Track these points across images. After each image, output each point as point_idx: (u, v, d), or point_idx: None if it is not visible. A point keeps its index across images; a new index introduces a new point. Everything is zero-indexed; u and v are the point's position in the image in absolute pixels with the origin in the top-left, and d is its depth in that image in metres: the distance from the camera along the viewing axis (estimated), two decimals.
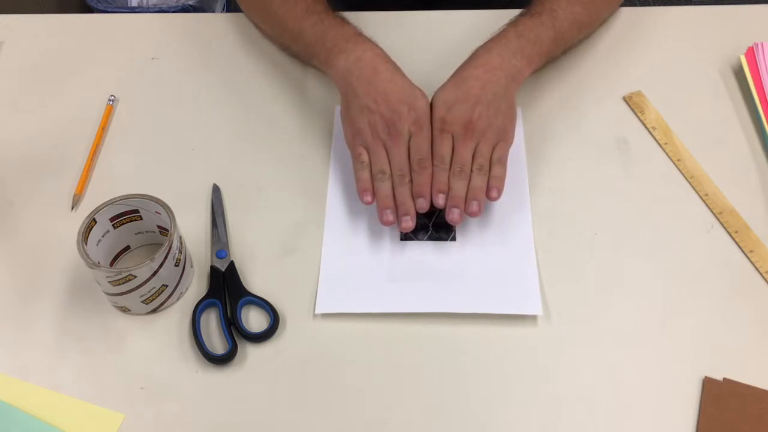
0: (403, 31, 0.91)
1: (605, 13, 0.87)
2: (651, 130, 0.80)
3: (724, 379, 0.62)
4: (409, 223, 0.69)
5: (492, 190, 0.69)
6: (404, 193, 0.69)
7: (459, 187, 0.69)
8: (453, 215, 0.68)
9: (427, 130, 0.70)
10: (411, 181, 0.70)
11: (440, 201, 0.69)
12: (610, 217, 0.73)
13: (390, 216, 0.69)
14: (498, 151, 0.71)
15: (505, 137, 0.72)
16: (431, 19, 0.93)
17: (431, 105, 0.72)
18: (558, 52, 0.81)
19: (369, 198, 0.70)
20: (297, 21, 0.81)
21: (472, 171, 0.69)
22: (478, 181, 0.69)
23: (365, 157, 0.71)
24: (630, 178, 0.76)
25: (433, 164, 0.70)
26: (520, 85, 0.75)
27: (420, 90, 0.72)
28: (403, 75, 0.73)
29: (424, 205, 0.69)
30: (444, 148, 0.70)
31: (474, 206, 0.68)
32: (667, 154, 0.78)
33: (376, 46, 0.75)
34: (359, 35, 0.76)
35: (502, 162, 0.71)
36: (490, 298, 0.67)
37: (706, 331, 0.65)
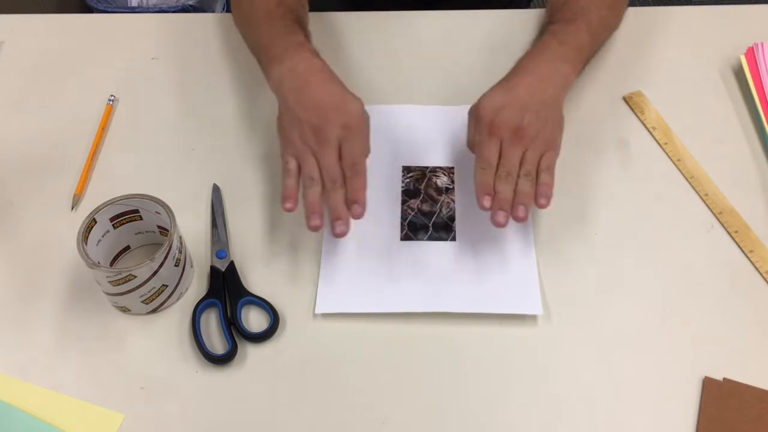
0: (403, 31, 0.91)
1: (623, 12, 0.87)
2: (651, 130, 0.80)
3: (724, 379, 0.62)
4: (342, 228, 0.66)
5: (541, 197, 0.67)
6: (336, 198, 0.67)
7: (506, 191, 0.66)
8: (499, 218, 0.65)
9: (359, 133, 0.68)
10: (344, 186, 0.67)
11: (486, 203, 0.66)
12: (610, 217, 0.73)
13: (316, 220, 0.66)
14: (546, 159, 0.69)
15: (553, 146, 0.70)
16: (431, 19, 0.93)
17: (477, 109, 0.70)
18: (593, 55, 0.80)
19: (289, 204, 0.67)
20: (255, 25, 0.79)
21: (518, 177, 0.67)
22: (526, 187, 0.67)
23: (293, 165, 0.68)
24: (630, 178, 0.76)
25: (480, 167, 0.68)
26: (566, 93, 0.73)
27: (353, 95, 0.70)
28: (336, 83, 0.70)
29: (359, 211, 0.66)
30: (491, 151, 0.67)
31: (521, 211, 0.66)
32: (667, 154, 0.78)
33: (314, 56, 0.72)
34: (301, 45, 0.74)
35: (551, 170, 0.68)
36: (490, 298, 0.67)
37: (706, 331, 0.65)
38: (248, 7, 0.81)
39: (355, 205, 0.66)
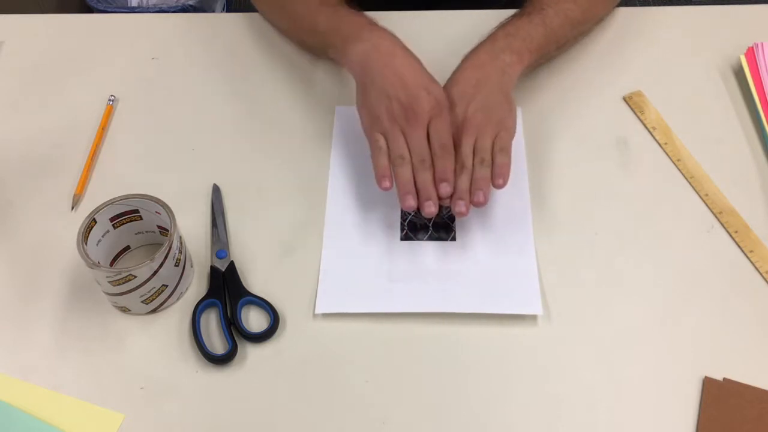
0: (403, 31, 0.90)
1: (601, 10, 0.87)
2: (651, 130, 0.80)
3: (724, 379, 0.62)
4: (432, 209, 0.67)
5: (497, 178, 0.68)
6: (426, 178, 0.68)
7: (463, 180, 0.68)
8: (459, 207, 0.67)
9: (447, 115, 0.70)
10: (432, 166, 0.69)
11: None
12: (610, 217, 0.73)
13: (412, 201, 0.68)
14: (499, 141, 0.70)
15: (504, 127, 0.71)
16: (431, 19, 0.93)
17: None
18: (551, 48, 0.81)
19: (388, 183, 0.68)
20: (312, 15, 0.81)
21: (474, 165, 0.69)
22: (481, 172, 0.68)
23: (383, 143, 0.70)
24: (630, 178, 0.76)
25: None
26: (513, 79, 0.74)
27: (434, 79, 0.72)
28: (419, 62, 0.73)
29: (447, 190, 0.68)
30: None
31: (479, 196, 0.67)
32: (667, 154, 0.78)
33: (392, 34, 0.75)
34: (375, 24, 0.77)
35: (505, 151, 0.70)
36: (490, 298, 0.67)
37: (706, 331, 0.65)
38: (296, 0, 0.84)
39: (443, 183, 0.68)
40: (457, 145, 0.70)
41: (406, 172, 0.68)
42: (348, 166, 0.76)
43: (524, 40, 0.76)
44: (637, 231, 0.72)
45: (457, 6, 0.93)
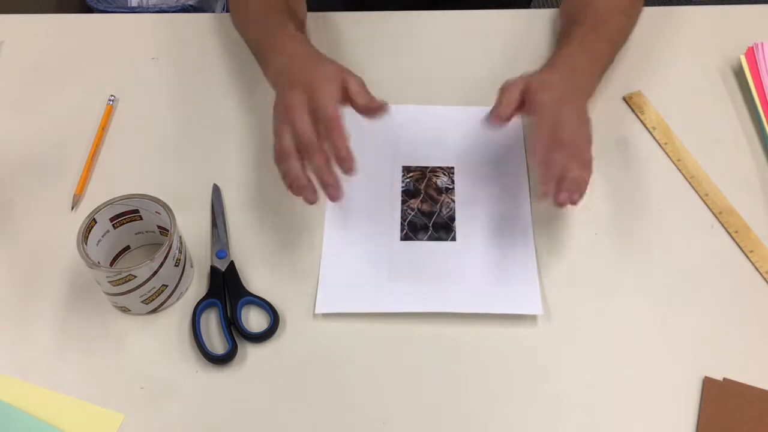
0: (404, 31, 0.91)
1: (635, 22, 0.87)
2: (651, 130, 0.80)
3: (724, 379, 0.62)
4: (333, 192, 0.63)
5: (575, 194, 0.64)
6: (317, 161, 0.63)
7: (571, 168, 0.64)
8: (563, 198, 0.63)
9: (322, 87, 0.64)
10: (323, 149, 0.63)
11: (347, 166, 0.62)
12: (610, 217, 0.73)
13: (309, 194, 0.63)
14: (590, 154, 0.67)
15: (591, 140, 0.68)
16: (432, 19, 0.93)
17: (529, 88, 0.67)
18: (610, 64, 0.80)
19: (296, 186, 0.63)
20: (249, 27, 0.83)
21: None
22: (586, 176, 0.65)
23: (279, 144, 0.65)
24: (630, 179, 0.76)
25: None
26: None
27: (327, 62, 0.68)
28: (320, 59, 0.70)
29: (349, 165, 0.62)
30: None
31: (577, 197, 0.64)
32: (667, 154, 0.78)
33: (305, 43, 0.73)
34: (291, 36, 0.74)
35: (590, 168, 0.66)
36: (490, 298, 0.67)
37: (706, 331, 0.65)
38: (243, 7, 0.84)
39: (342, 162, 0.63)
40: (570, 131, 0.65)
41: (292, 167, 0.63)
42: None
43: (597, 60, 0.75)
44: (637, 231, 0.72)
45: (457, 6, 0.93)
